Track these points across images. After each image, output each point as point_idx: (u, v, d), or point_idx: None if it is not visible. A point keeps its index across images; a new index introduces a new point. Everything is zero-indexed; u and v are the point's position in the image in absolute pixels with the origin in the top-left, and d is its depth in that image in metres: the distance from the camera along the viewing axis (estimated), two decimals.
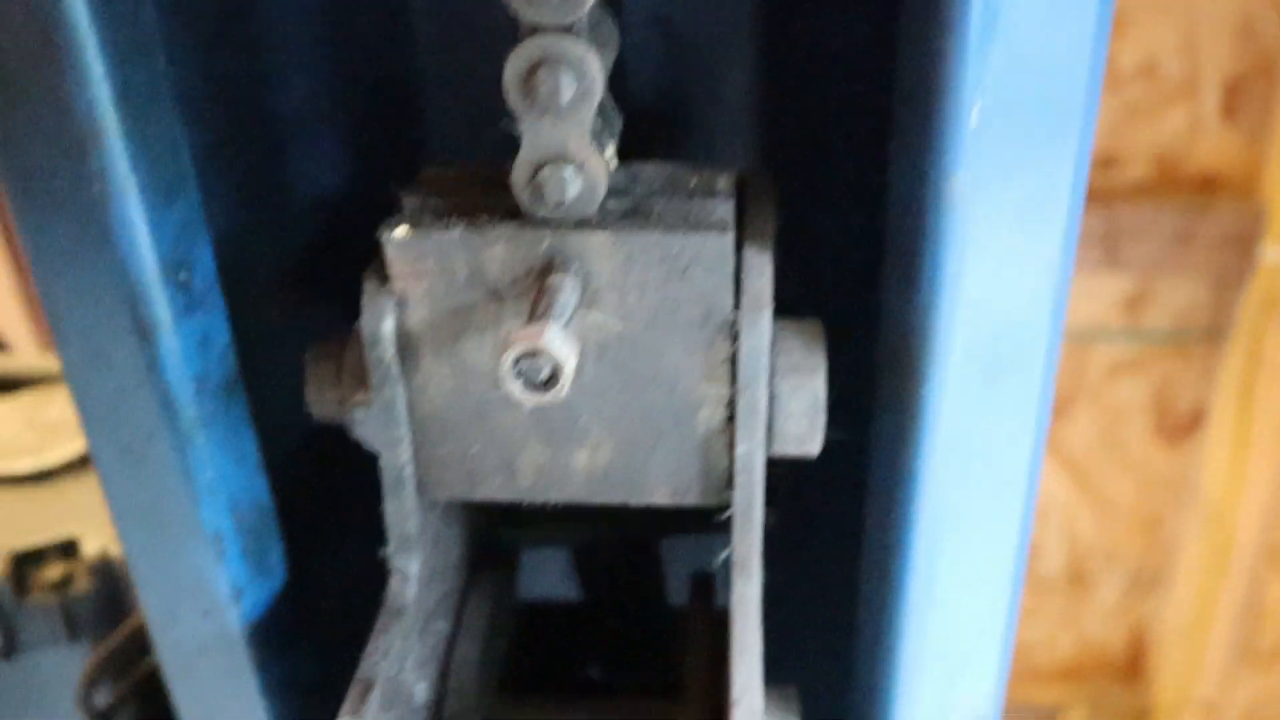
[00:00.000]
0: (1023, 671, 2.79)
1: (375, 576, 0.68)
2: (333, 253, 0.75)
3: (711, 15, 0.73)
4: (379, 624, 0.63)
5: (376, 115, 0.78)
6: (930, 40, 0.51)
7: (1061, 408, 2.47)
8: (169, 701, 0.76)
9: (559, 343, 0.49)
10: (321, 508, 0.78)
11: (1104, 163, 2.24)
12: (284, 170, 0.73)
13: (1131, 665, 2.80)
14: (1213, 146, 2.26)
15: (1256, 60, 2.16)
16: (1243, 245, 2.23)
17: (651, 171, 0.61)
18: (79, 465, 0.99)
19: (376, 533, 0.66)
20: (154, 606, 0.69)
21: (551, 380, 0.50)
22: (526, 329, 0.50)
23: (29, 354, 1.09)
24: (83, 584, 0.90)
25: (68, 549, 0.91)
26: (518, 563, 0.89)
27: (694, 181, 0.60)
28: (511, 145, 0.56)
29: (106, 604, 0.91)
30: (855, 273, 0.70)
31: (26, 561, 0.90)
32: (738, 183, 0.62)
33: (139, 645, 0.90)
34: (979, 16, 0.49)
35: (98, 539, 0.91)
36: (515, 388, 0.50)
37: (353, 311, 0.60)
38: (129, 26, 0.55)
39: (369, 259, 0.60)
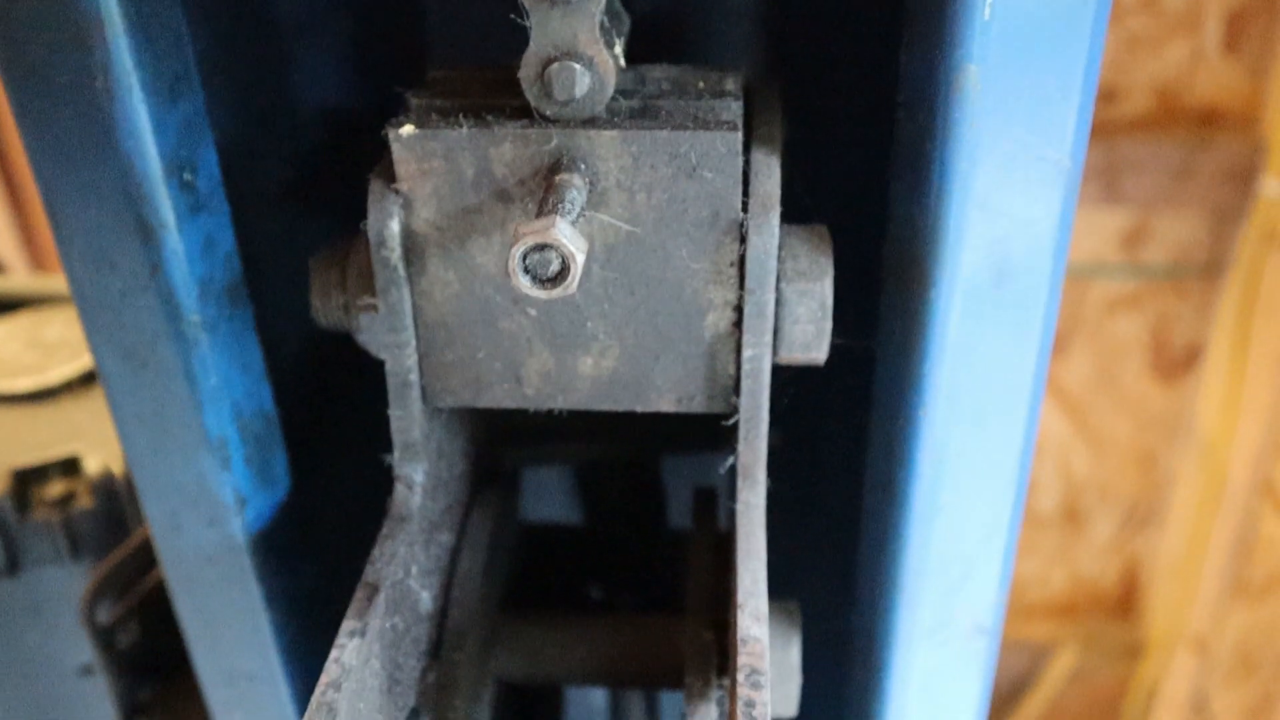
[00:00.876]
0: (1016, 608, 2.81)
1: (378, 488, 0.68)
2: (337, 159, 0.75)
3: None
4: (384, 530, 0.62)
5: (380, 19, 0.77)
6: None
7: (1059, 344, 2.47)
8: (170, 618, 0.76)
9: (568, 236, 0.49)
10: (325, 417, 0.78)
11: (1104, 96, 2.23)
12: (288, 74, 0.72)
13: (1124, 601, 2.82)
14: (1214, 79, 2.25)
15: None
16: (1242, 179, 2.22)
17: (659, 73, 0.60)
18: (80, 384, 0.98)
19: (380, 443, 0.66)
20: (157, 515, 0.69)
21: (561, 275, 0.49)
22: (535, 223, 0.49)
23: (23, 276, 1.08)
24: (84, 501, 0.90)
25: (69, 466, 0.91)
26: (520, 482, 0.89)
27: (702, 83, 0.60)
28: (515, 51, 0.55)
29: (108, 521, 0.91)
30: (862, 179, 0.69)
31: (28, 478, 0.90)
32: (745, 86, 0.61)
33: (140, 563, 0.90)
34: None
35: (99, 457, 0.91)
36: (524, 283, 0.49)
37: (357, 218, 0.60)
38: None
39: (374, 165, 0.59)
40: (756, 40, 0.74)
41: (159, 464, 0.66)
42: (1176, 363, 2.48)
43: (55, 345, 1.01)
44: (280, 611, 0.73)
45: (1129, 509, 2.69)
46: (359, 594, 0.59)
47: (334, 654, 0.55)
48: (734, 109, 0.57)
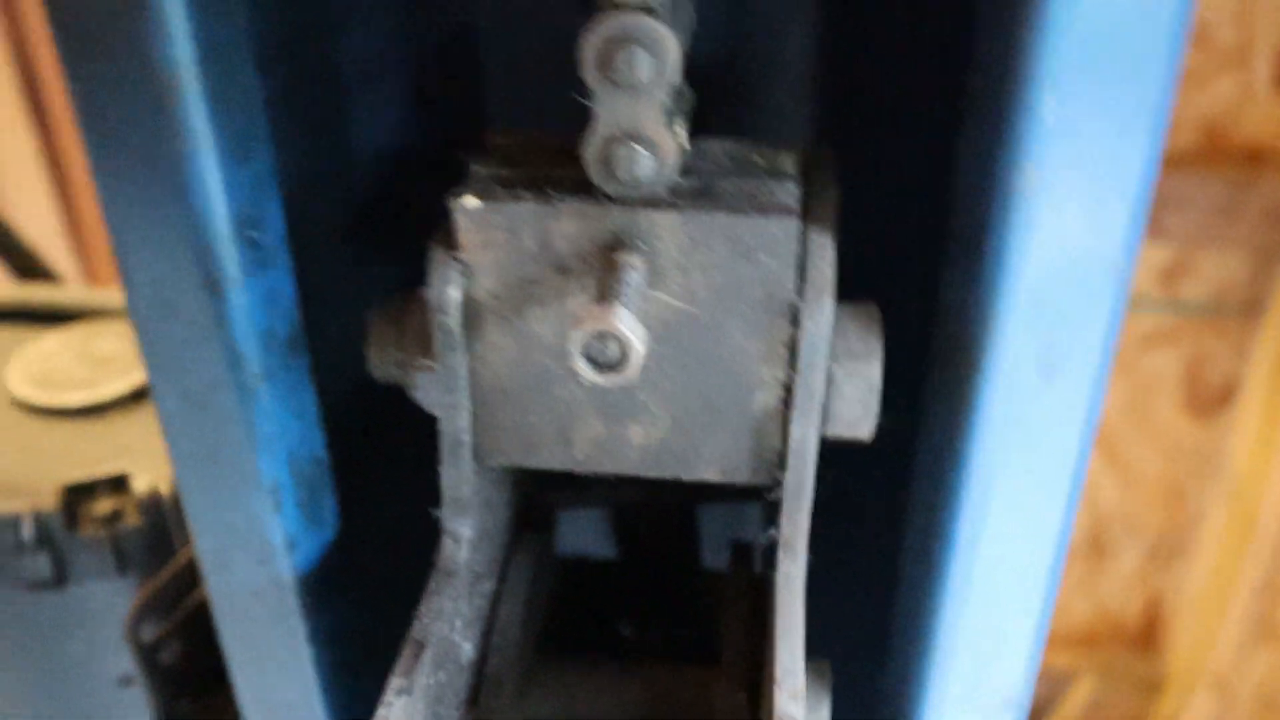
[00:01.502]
0: None
1: (419, 526, 0.70)
2: (391, 207, 0.76)
3: None
4: (431, 585, 0.64)
5: (438, 69, 0.78)
6: (1008, 32, 0.51)
7: None
8: (210, 635, 0.78)
9: (629, 325, 0.50)
10: (371, 459, 0.79)
11: None
12: (348, 123, 0.73)
13: (1146, 635, 2.81)
14: (1262, 117, 2.24)
15: None
16: None
17: (718, 149, 0.61)
18: (130, 400, 1.00)
19: (423, 484, 0.67)
20: (208, 551, 0.70)
21: (621, 362, 0.51)
22: (597, 309, 0.50)
23: (77, 287, 1.11)
24: (132, 519, 0.91)
25: (118, 484, 0.92)
26: (556, 522, 0.90)
27: (760, 160, 0.61)
28: (571, 104, 0.56)
29: (154, 539, 0.93)
30: (909, 254, 0.70)
31: (78, 494, 0.91)
32: (803, 161, 0.62)
33: (184, 582, 0.92)
34: (1059, 12, 0.49)
35: (148, 475, 0.93)
36: (584, 367, 0.51)
37: (410, 267, 0.61)
38: None
39: (427, 214, 0.61)
40: (811, 105, 0.75)
41: (212, 504, 0.68)
42: (1211, 400, 2.47)
43: (107, 359, 1.03)
44: (321, 645, 0.74)
45: (1155, 543, 2.69)
46: (406, 651, 0.60)
47: (381, 712, 0.57)
48: (792, 191, 0.58)
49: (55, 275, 1.21)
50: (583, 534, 1.00)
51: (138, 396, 1.01)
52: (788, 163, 0.61)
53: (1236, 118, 2.24)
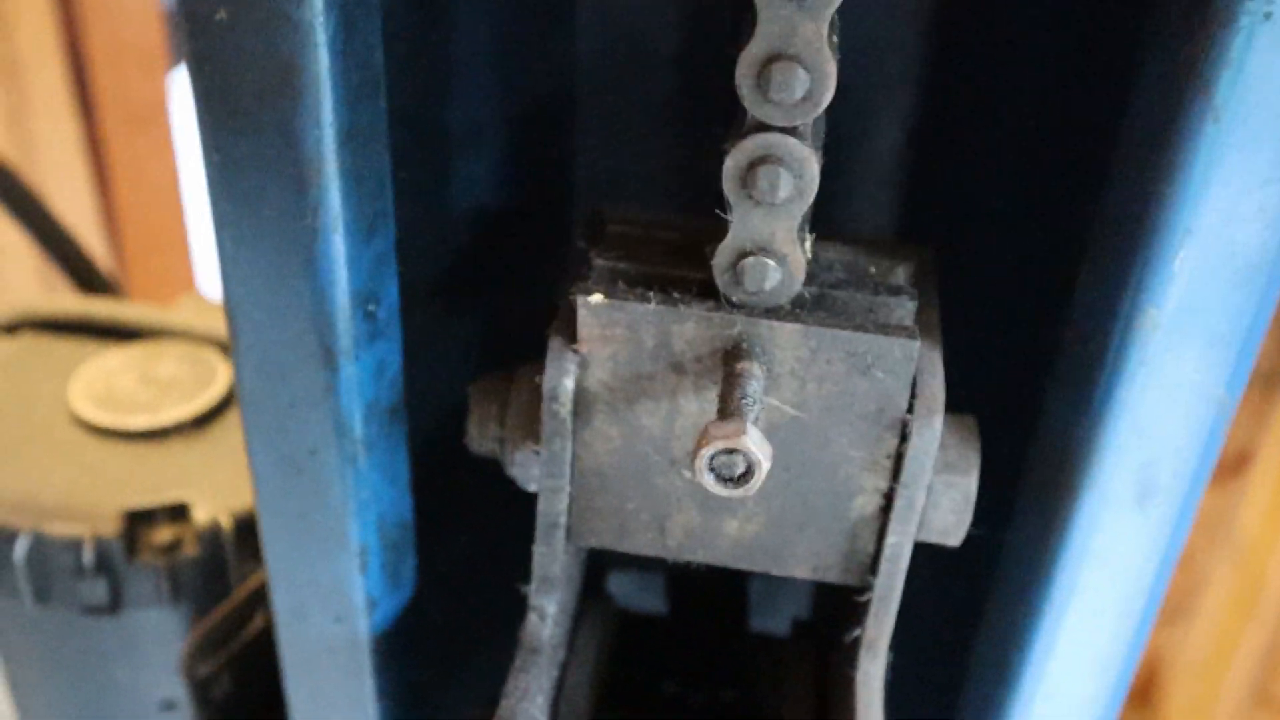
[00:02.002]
0: None
1: (489, 588, 0.70)
2: (482, 267, 0.77)
3: (878, 74, 0.74)
4: (517, 662, 0.64)
5: (532, 136, 0.79)
6: (1145, 189, 0.52)
7: None
8: (261, 670, 0.78)
9: (757, 443, 0.51)
10: (449, 520, 0.80)
11: None
12: (447, 191, 0.74)
13: (1142, 693, 2.82)
14: None
15: None
16: None
17: (833, 255, 0.62)
18: (191, 426, 1.01)
19: (495, 545, 0.68)
20: (285, 605, 0.71)
21: (746, 476, 0.51)
22: (725, 426, 0.51)
23: (139, 305, 1.11)
24: (190, 549, 0.92)
25: (178, 512, 0.93)
26: (607, 581, 0.91)
27: (874, 269, 0.62)
28: (659, 171, 0.56)
29: (211, 571, 0.93)
30: (1002, 367, 0.71)
31: (139, 521, 0.92)
32: (912, 271, 0.63)
33: (240, 617, 0.93)
34: (1198, 179, 0.51)
35: (208, 506, 0.93)
36: (709, 480, 0.51)
37: (494, 325, 0.61)
38: (362, 69, 0.56)
39: (514, 274, 0.61)
40: (907, 205, 0.76)
41: (296, 563, 0.69)
42: (1225, 467, 2.48)
43: (169, 383, 1.04)
44: (390, 702, 0.75)
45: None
46: None
47: None
48: (908, 309, 0.59)
49: (115, 287, 1.21)
50: (628, 585, 1.00)
51: (199, 423, 1.01)
52: (900, 273, 0.61)
53: None
